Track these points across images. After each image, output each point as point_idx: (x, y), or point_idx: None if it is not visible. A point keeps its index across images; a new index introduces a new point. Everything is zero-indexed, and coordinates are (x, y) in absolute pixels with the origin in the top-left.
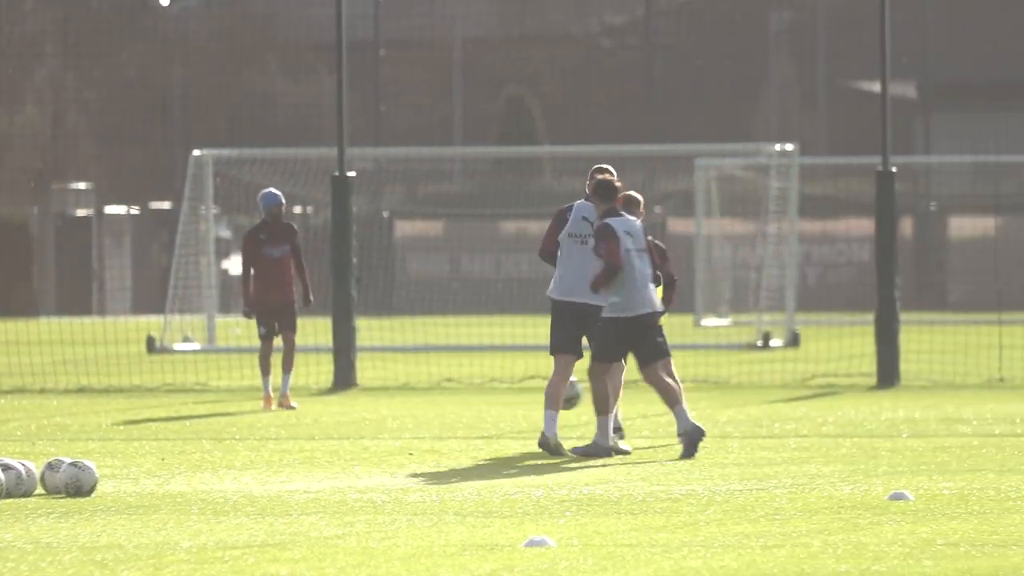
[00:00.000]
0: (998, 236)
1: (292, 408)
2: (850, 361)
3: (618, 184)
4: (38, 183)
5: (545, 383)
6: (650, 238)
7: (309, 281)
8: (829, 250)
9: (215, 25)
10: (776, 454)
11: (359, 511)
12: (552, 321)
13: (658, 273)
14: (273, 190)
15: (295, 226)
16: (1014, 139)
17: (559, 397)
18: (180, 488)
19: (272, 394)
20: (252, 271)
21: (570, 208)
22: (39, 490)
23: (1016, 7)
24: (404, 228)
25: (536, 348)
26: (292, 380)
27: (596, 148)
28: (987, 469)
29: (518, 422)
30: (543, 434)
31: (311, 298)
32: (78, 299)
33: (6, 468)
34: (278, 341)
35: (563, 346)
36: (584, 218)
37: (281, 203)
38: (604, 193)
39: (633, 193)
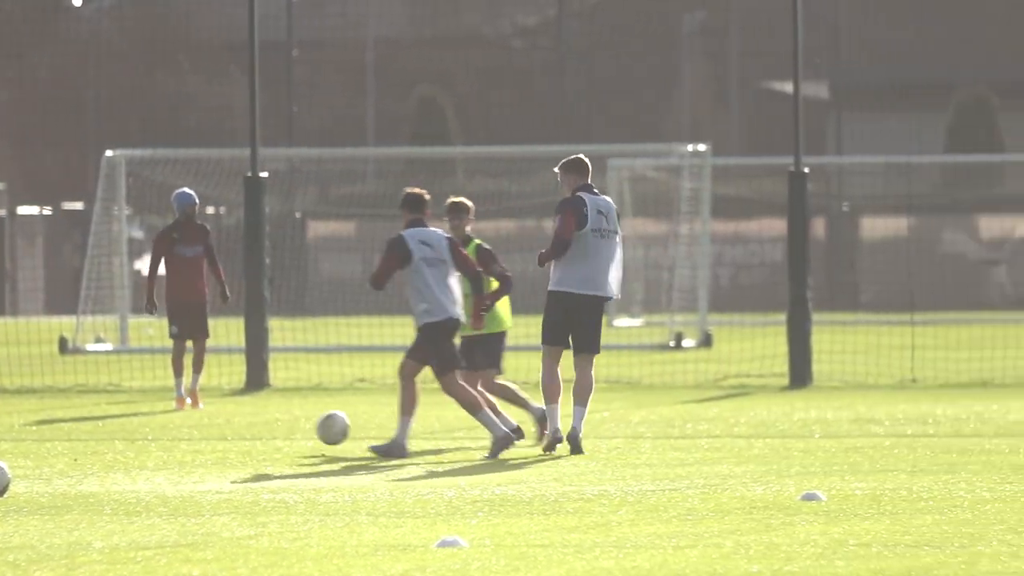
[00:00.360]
0: (910, 237)
1: (199, 408)
2: (762, 362)
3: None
4: None
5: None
6: (478, 242)
7: (224, 278)
8: (741, 251)
9: (128, 26)
10: (688, 455)
11: (272, 511)
12: (546, 311)
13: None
14: (187, 190)
15: (208, 227)
16: (926, 140)
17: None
18: (93, 489)
19: (184, 395)
20: (163, 270)
21: (582, 201)
22: None
23: (927, 9)
24: (317, 228)
25: None
26: (203, 380)
27: (508, 148)
28: (899, 470)
29: (430, 422)
30: (556, 431)
31: (228, 294)
32: None
33: None
34: (191, 341)
35: (560, 339)
36: (599, 211)
37: (195, 203)
38: (582, 169)
39: (463, 200)
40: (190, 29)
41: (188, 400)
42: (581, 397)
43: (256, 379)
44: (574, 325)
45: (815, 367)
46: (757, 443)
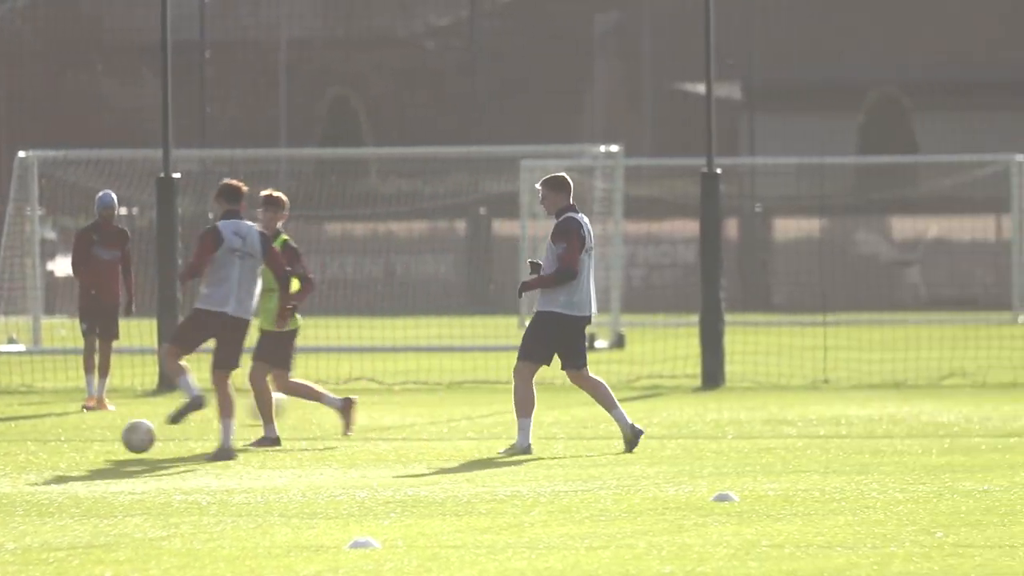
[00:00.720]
0: (823, 238)
1: (109, 410)
2: (675, 362)
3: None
4: None
5: (378, 385)
6: (286, 238)
7: (134, 290)
8: (654, 251)
9: (41, 26)
10: (601, 455)
11: (184, 513)
12: (549, 333)
13: (288, 269)
14: (109, 192)
15: (127, 231)
16: (838, 141)
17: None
18: (5, 489)
19: (95, 394)
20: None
21: (579, 223)
22: None
23: (839, 10)
24: None
25: (361, 350)
26: (115, 382)
27: (421, 149)
28: (811, 470)
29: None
30: (528, 446)
31: (133, 309)
32: None
33: None
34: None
35: (549, 358)
36: (588, 231)
37: (113, 206)
38: (566, 187)
39: (278, 195)
40: (103, 30)
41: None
42: (610, 399)
43: (168, 380)
44: (571, 344)
45: (728, 368)
46: (670, 444)
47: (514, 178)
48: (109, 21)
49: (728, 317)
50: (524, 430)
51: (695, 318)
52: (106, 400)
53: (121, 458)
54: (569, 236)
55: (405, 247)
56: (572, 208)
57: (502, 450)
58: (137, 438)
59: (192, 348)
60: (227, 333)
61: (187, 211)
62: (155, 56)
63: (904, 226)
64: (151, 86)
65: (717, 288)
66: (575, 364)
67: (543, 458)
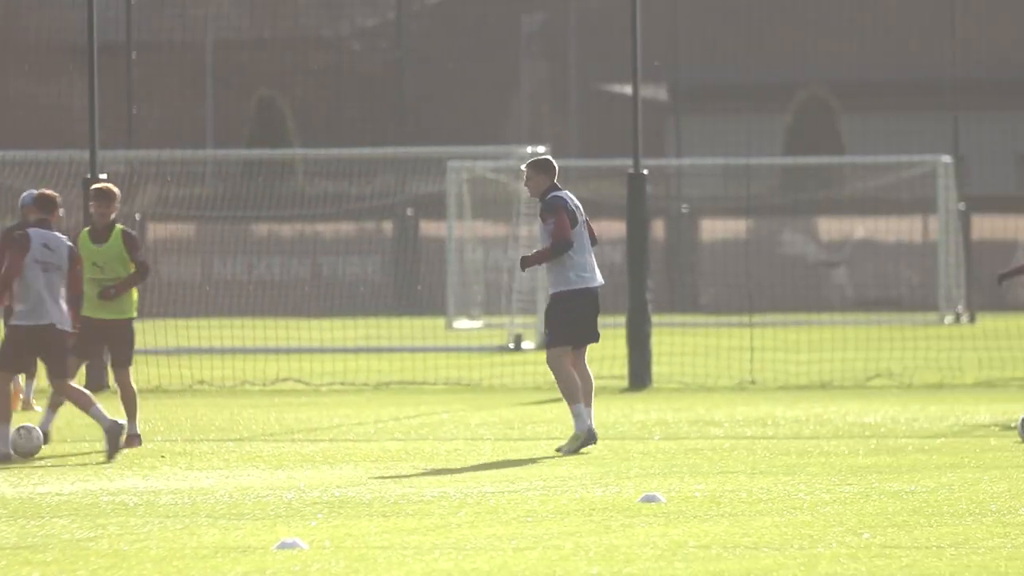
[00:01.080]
0: (749, 238)
1: (36, 411)
2: (601, 363)
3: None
4: None
5: (305, 386)
6: (122, 228)
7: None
8: None
9: None
10: (528, 456)
11: (111, 513)
12: (569, 311)
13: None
14: (31, 192)
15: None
16: (764, 141)
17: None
18: None
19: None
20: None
21: (564, 199)
22: None
23: (766, 11)
24: (156, 230)
25: (288, 351)
26: (40, 383)
27: (348, 151)
28: (738, 471)
29: (271, 424)
30: (589, 431)
31: None
32: None
33: None
34: None
35: (572, 336)
36: (576, 206)
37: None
38: (551, 169)
39: (109, 186)
40: (28, 30)
41: (22, 398)
42: (589, 395)
43: (95, 381)
44: (592, 317)
45: (654, 369)
46: (597, 445)
47: (441, 179)
48: (35, 21)
49: (655, 318)
50: (579, 416)
51: (622, 319)
52: (33, 401)
53: (47, 458)
54: (556, 211)
55: (332, 248)
56: (556, 187)
57: (561, 447)
58: (26, 444)
59: (17, 368)
60: (45, 345)
61: None
62: (82, 57)
63: (830, 227)
64: (78, 87)
65: (644, 289)
66: (591, 339)
67: (468, 460)
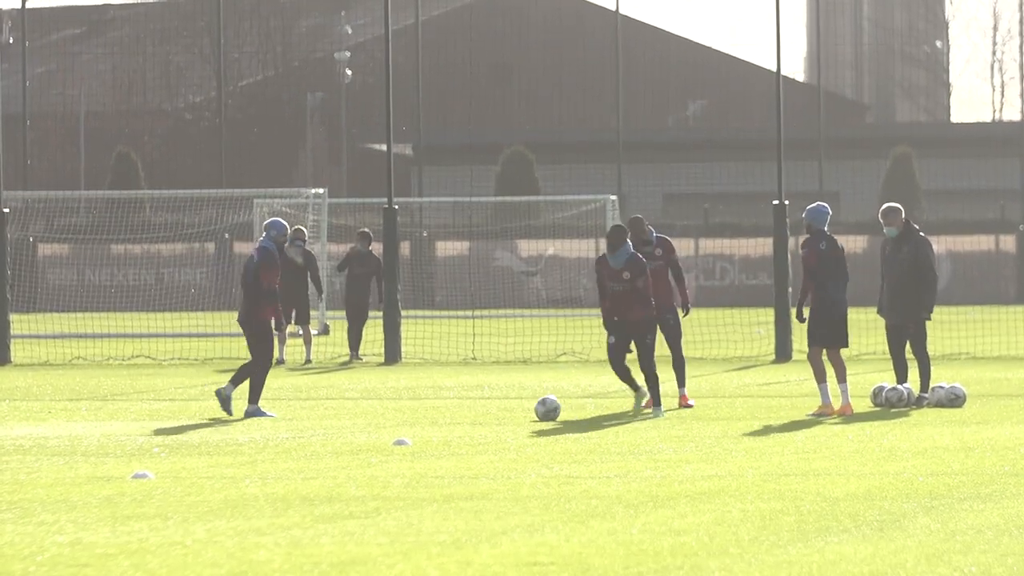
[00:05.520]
0: (471, 255)
1: None
2: (368, 345)
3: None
4: None
5: (153, 360)
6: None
7: None
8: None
9: None
10: (313, 412)
11: (12, 452)
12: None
13: None
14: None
15: None
16: (481, 185)
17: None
18: None
19: None
20: None
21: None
22: None
23: (480, 90)
24: (44, 249)
25: (139, 336)
26: None
27: (182, 192)
28: (463, 423)
29: (128, 389)
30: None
31: None
32: None
33: None
34: None
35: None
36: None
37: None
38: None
39: None
40: None
41: None
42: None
43: (1, 357)
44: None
45: (404, 348)
46: (362, 404)
47: (249, 211)
48: None
49: (403, 312)
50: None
51: (380, 313)
52: None
53: None
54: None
55: (170, 262)
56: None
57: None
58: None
59: None
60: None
61: (13, 236)
62: None
63: (529, 246)
64: None
65: (395, 290)
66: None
67: (266, 416)
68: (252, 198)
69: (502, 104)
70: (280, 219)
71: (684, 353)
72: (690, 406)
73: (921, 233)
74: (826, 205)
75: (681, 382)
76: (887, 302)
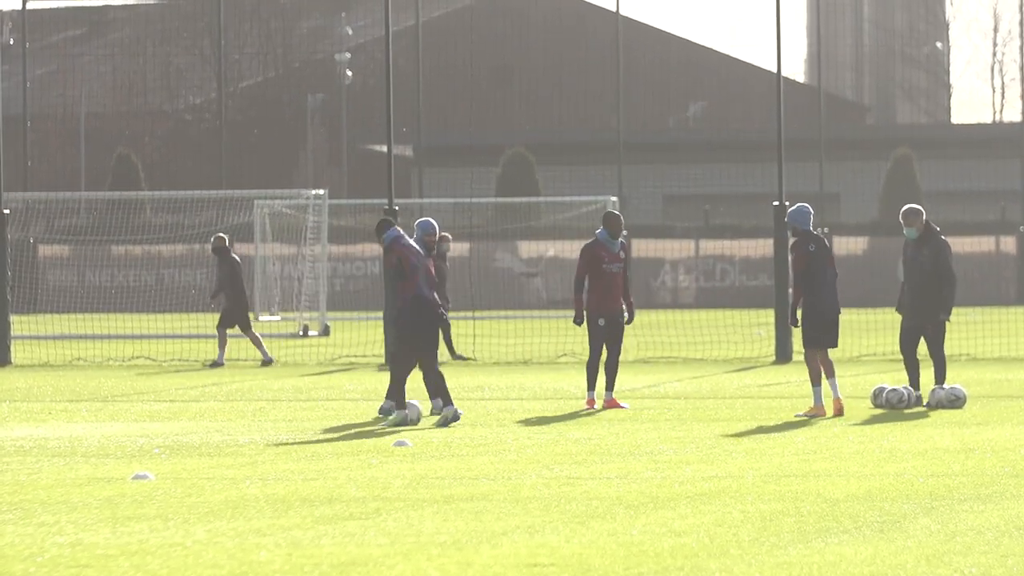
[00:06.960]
0: (472, 255)
1: None
2: (365, 346)
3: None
4: None
5: (153, 361)
6: None
7: None
8: (351, 266)
9: None
10: (312, 413)
11: (13, 453)
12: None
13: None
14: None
15: None
16: (482, 186)
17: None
18: None
19: None
20: None
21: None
22: None
23: (481, 91)
24: (45, 250)
25: (140, 337)
26: None
27: (182, 193)
28: (463, 424)
29: (128, 389)
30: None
31: None
32: None
33: None
34: None
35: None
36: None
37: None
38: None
39: None
40: None
41: None
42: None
43: (1, 358)
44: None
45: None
46: (362, 405)
47: (249, 213)
48: None
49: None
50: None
51: (379, 314)
52: None
53: None
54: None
55: (170, 263)
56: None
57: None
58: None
59: None
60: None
61: (14, 237)
62: None
63: (530, 248)
64: None
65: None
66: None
67: (269, 415)
68: (252, 199)
69: (502, 105)
70: (425, 220)
71: (684, 353)
72: (623, 407)
73: (942, 236)
74: (807, 205)
75: (610, 385)
76: (908, 302)
